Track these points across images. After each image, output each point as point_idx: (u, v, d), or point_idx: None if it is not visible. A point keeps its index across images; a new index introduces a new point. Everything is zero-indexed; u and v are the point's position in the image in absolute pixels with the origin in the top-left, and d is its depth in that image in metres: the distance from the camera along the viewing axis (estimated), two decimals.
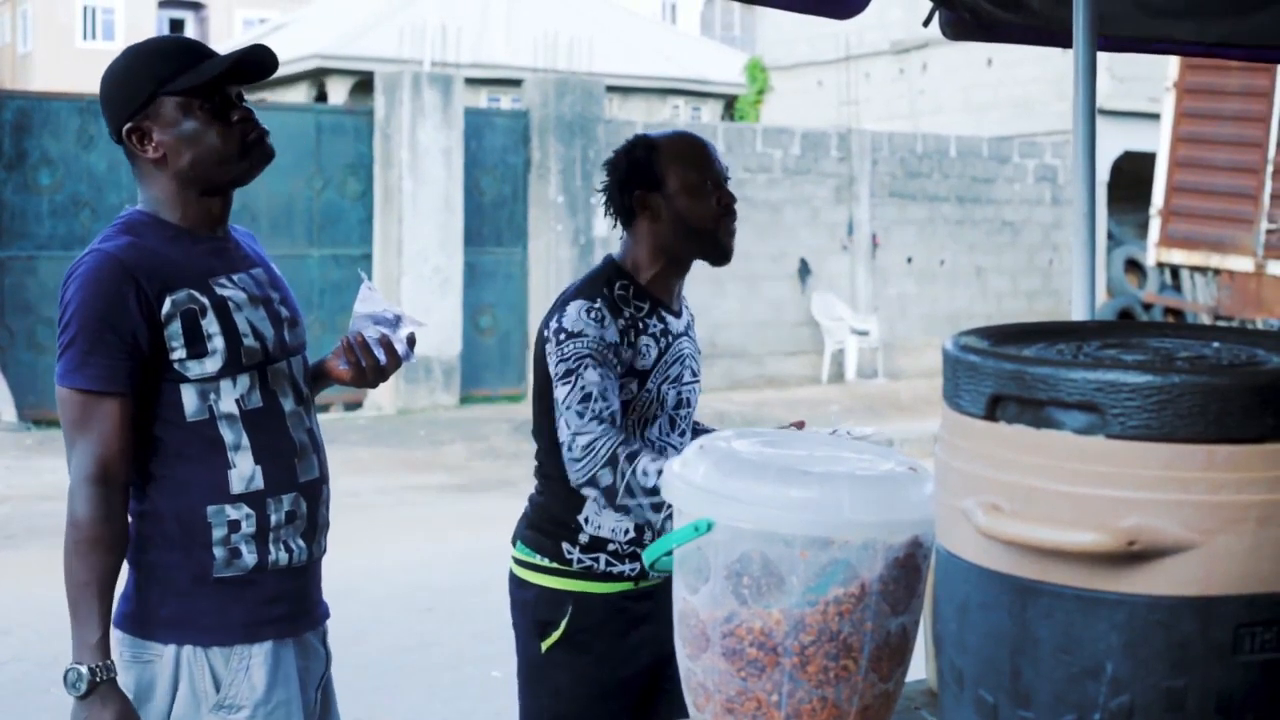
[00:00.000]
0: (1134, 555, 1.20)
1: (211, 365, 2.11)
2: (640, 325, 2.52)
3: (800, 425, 2.48)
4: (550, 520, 2.58)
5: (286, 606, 2.19)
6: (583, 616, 2.55)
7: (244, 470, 2.13)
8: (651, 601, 2.56)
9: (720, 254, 2.58)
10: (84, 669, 2.02)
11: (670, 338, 2.57)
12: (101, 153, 10.74)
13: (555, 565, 2.56)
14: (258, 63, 2.17)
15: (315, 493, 2.23)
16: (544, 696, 2.60)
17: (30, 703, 4.91)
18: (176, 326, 2.09)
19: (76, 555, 2.03)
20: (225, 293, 2.15)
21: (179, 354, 2.09)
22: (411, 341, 2.35)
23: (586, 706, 2.57)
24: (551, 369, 2.45)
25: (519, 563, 2.62)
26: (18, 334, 10.59)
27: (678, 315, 2.62)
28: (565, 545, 2.55)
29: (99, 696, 2.02)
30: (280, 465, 2.17)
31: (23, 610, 5.98)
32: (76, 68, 32.59)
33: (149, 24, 36.31)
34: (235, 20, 38.02)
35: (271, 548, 2.15)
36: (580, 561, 2.54)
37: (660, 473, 2.30)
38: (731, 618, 1.65)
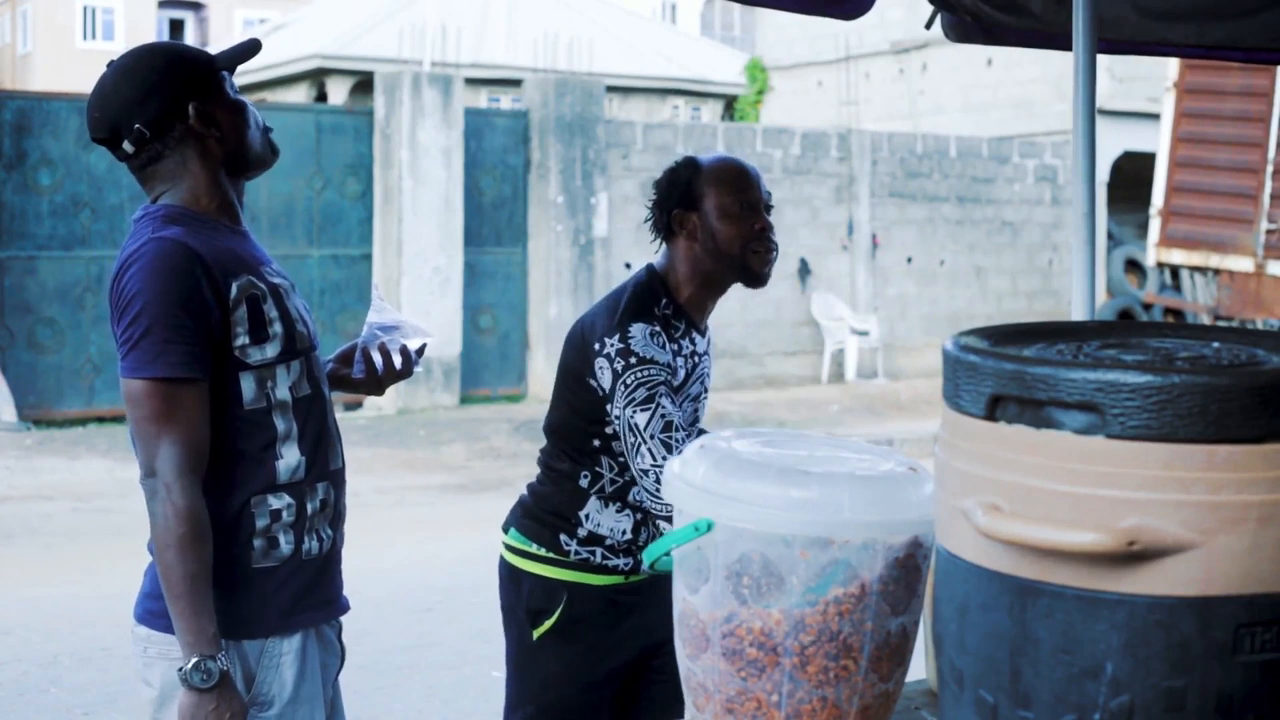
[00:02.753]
0: (1134, 555, 1.20)
1: (271, 351, 2.11)
2: (678, 347, 2.57)
3: None
4: (550, 511, 2.61)
5: (316, 595, 2.20)
6: (577, 607, 2.59)
7: (290, 460, 2.13)
8: (637, 595, 2.61)
9: (752, 278, 2.61)
10: (213, 662, 1.99)
11: (697, 358, 2.63)
12: (102, 153, 10.72)
13: (551, 555, 2.60)
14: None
15: (340, 480, 2.25)
16: (532, 684, 2.64)
17: (30, 703, 4.91)
18: (243, 311, 2.08)
19: (182, 549, 1.98)
20: (274, 280, 2.16)
21: (242, 340, 2.08)
22: (420, 351, 2.41)
23: (573, 696, 2.61)
24: (619, 389, 2.44)
25: (511, 550, 2.66)
26: (18, 334, 10.58)
27: (704, 334, 2.68)
28: (563, 537, 2.59)
29: (222, 688, 2.00)
30: (319, 453, 2.18)
31: (22, 610, 5.98)
32: (76, 68, 32.58)
33: (149, 24, 36.30)
34: (235, 20, 38.01)
35: (306, 536, 2.16)
36: (577, 554, 2.59)
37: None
38: (731, 618, 1.65)
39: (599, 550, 2.59)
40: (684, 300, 2.61)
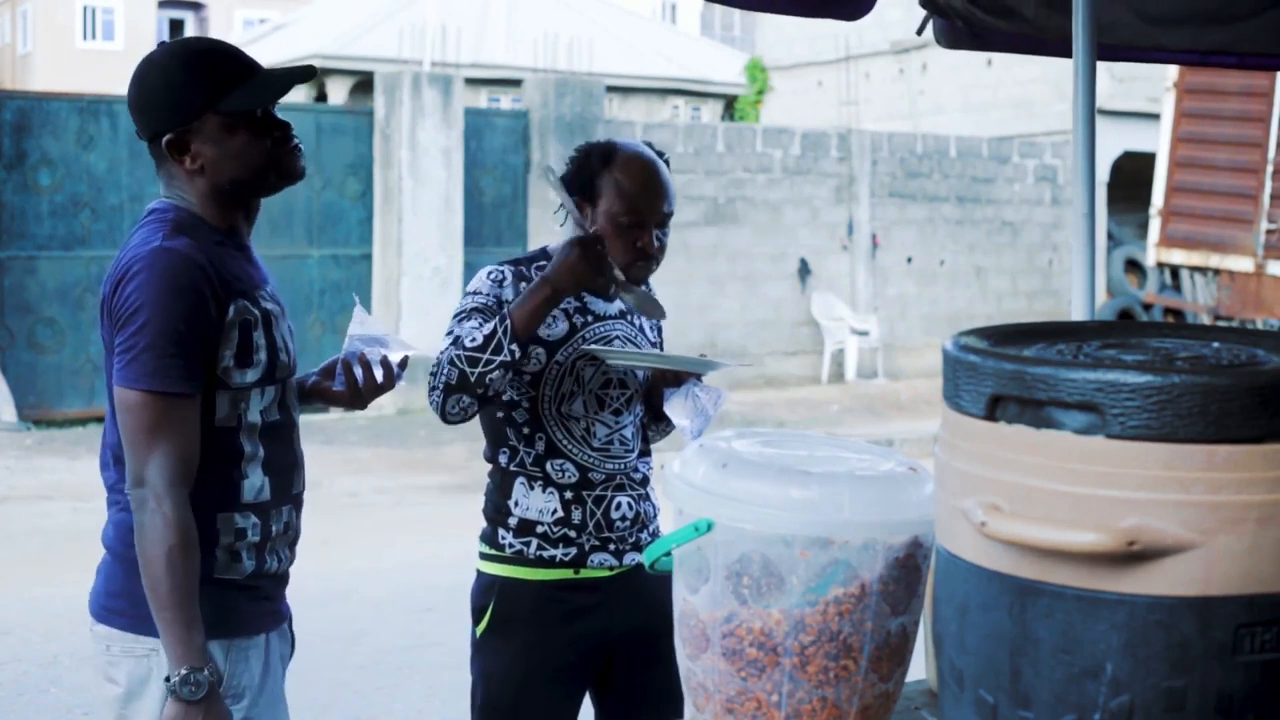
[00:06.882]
0: (1134, 555, 1.20)
1: (252, 376, 2.12)
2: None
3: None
4: (491, 507, 2.66)
5: (267, 606, 2.22)
6: (508, 603, 2.57)
7: (254, 481, 2.14)
8: (598, 593, 2.58)
9: (628, 279, 2.63)
10: (203, 673, 1.99)
11: (589, 316, 2.62)
12: (101, 153, 10.73)
13: (492, 551, 2.62)
14: (301, 80, 2.22)
15: (300, 504, 2.27)
16: (477, 681, 2.62)
17: (30, 702, 4.91)
18: (235, 335, 2.09)
19: (172, 559, 1.99)
20: (267, 306, 2.17)
21: (227, 361, 2.09)
22: (403, 365, 2.39)
23: (516, 694, 2.56)
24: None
25: (479, 553, 2.68)
26: (18, 334, 10.58)
27: (608, 300, 2.66)
28: (500, 531, 2.61)
29: (210, 700, 2.01)
30: (284, 478, 2.20)
31: (22, 610, 5.98)
32: (76, 68, 32.59)
33: (149, 24, 36.29)
34: (235, 20, 38.01)
35: (268, 556, 2.18)
36: (511, 546, 2.59)
37: (481, 332, 2.43)
38: (731, 618, 1.65)
39: (534, 541, 2.57)
40: None
